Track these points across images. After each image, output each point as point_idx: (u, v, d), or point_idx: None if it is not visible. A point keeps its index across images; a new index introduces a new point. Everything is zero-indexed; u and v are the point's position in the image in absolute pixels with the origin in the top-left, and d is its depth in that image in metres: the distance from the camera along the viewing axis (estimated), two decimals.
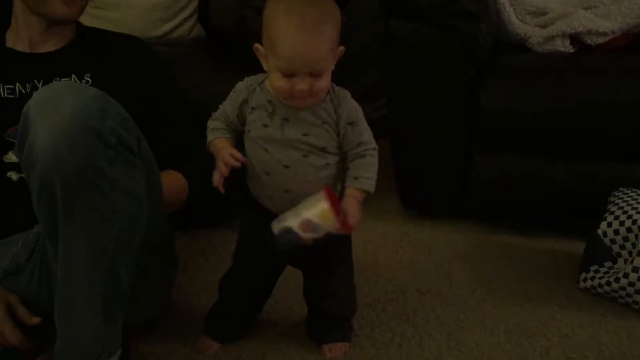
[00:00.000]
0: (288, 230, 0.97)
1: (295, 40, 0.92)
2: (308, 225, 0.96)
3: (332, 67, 0.99)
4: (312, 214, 0.96)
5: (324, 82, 0.97)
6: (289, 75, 0.94)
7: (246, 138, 1.04)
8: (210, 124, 1.06)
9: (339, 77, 1.10)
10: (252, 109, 1.02)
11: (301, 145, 1.00)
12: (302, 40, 0.92)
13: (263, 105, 1.01)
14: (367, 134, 1.03)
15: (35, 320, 0.99)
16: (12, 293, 1.01)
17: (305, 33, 0.92)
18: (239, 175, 1.09)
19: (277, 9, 0.95)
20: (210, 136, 1.05)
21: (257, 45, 1.00)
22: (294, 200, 1.03)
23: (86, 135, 0.85)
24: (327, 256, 1.13)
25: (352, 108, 1.03)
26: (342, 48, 1.00)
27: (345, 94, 1.03)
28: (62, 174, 0.85)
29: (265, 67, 1.00)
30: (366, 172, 1.02)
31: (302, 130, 1.00)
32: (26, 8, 1.13)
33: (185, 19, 1.73)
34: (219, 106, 1.06)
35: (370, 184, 1.02)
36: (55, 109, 0.85)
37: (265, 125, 1.01)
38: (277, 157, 1.01)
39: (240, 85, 1.05)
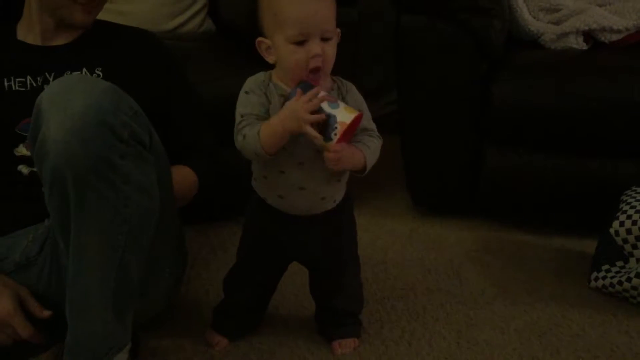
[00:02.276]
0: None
1: (302, 2, 0.95)
2: (329, 97, 0.95)
3: (336, 43, 0.99)
4: (343, 105, 0.96)
5: (332, 50, 0.98)
6: (301, 42, 0.95)
7: None
8: (242, 131, 0.97)
9: (350, 72, 1.10)
10: (270, 102, 1.01)
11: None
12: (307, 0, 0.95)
13: (277, 100, 1.00)
14: (373, 124, 1.05)
15: (46, 313, 0.99)
16: (23, 286, 1.01)
17: None
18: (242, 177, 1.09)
19: None
20: (251, 133, 0.96)
21: (260, 38, 0.99)
22: (307, 198, 1.03)
23: (98, 129, 0.85)
24: (335, 253, 1.13)
25: (359, 99, 1.05)
26: (339, 30, 1.00)
27: (352, 86, 1.05)
28: (74, 167, 0.84)
29: (271, 60, 1.00)
30: (370, 144, 1.02)
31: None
32: (42, 8, 1.12)
33: (196, 13, 1.72)
34: (239, 119, 0.99)
35: (369, 154, 1.01)
36: (68, 103, 0.85)
37: None
38: (293, 154, 1.00)
39: (252, 84, 1.01)
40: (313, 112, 0.94)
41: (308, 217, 1.06)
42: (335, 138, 0.94)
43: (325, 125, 0.94)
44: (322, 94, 0.95)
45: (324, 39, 0.96)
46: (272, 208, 1.06)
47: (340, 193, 1.08)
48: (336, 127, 0.94)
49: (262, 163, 1.04)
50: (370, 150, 1.02)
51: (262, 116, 0.99)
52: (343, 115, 0.94)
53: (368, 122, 1.04)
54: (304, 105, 0.93)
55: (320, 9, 0.96)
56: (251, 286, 1.16)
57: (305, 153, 1.00)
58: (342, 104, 0.96)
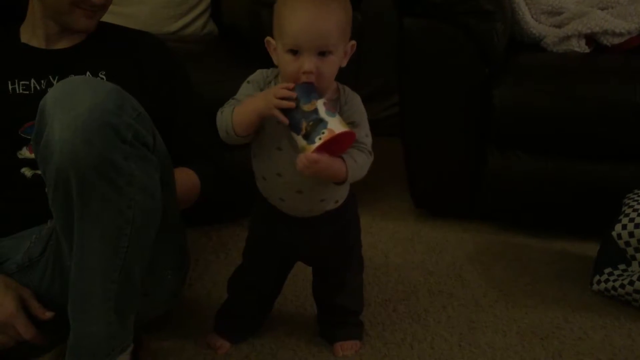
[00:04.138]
0: (314, 92, 0.93)
1: (302, 14, 0.93)
2: (329, 106, 0.93)
3: (344, 63, 0.98)
4: (339, 118, 0.93)
5: (330, 67, 0.95)
6: (296, 52, 0.94)
7: (255, 140, 1.03)
8: (223, 108, 1.00)
9: (353, 75, 1.10)
10: None
11: None
12: (308, 12, 0.93)
13: None
14: (367, 139, 1.01)
15: (49, 315, 0.99)
16: (25, 287, 1.01)
17: (313, 7, 0.93)
18: (248, 176, 1.09)
19: None
20: (227, 110, 0.98)
21: (268, 38, 1.00)
22: (305, 201, 1.03)
23: (102, 131, 0.85)
24: (340, 252, 1.13)
25: (358, 110, 1.02)
26: (353, 42, 0.99)
27: (355, 96, 1.03)
28: (78, 169, 0.85)
29: (275, 61, 1.00)
30: (358, 158, 0.98)
31: None
32: (46, 14, 1.13)
33: (199, 16, 1.73)
34: (230, 100, 1.02)
35: (353, 168, 0.98)
36: (72, 104, 0.85)
37: (278, 122, 1.00)
38: (290, 156, 0.99)
39: (257, 76, 1.03)
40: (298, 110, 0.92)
41: (311, 217, 1.06)
42: (317, 142, 0.90)
43: (313, 126, 0.90)
44: (323, 100, 0.93)
45: (322, 53, 0.94)
46: (276, 208, 1.07)
47: (342, 193, 1.08)
48: (323, 133, 0.90)
49: (260, 165, 1.04)
50: (356, 164, 0.98)
51: None
52: (335, 125, 0.91)
53: (364, 136, 1.01)
54: (278, 90, 0.93)
55: (321, 22, 0.93)
56: (256, 287, 1.16)
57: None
58: (338, 117, 0.93)
